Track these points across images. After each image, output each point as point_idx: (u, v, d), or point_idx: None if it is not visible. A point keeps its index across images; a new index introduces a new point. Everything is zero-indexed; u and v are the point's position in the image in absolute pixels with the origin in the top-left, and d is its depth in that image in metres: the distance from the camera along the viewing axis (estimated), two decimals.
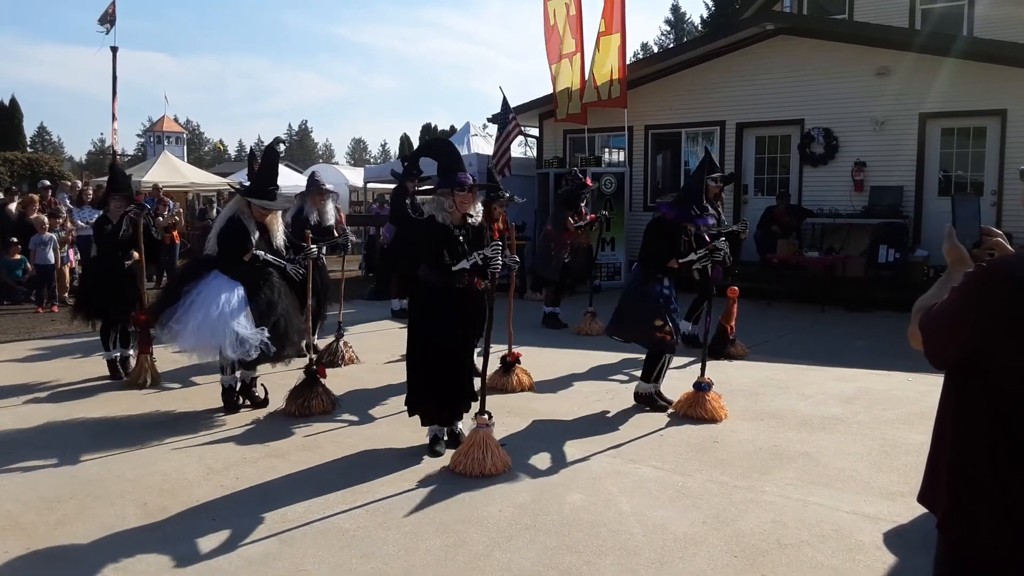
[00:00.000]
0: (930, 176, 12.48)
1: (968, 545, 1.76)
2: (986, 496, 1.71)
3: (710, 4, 43.66)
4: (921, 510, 1.90)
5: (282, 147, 6.26)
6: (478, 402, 5.01)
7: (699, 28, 47.39)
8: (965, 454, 1.75)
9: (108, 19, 26.13)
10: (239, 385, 6.20)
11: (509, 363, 6.85)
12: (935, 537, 1.88)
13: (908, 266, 11.66)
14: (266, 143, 6.49)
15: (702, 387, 6.00)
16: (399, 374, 7.33)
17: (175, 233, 14.38)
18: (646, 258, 6.20)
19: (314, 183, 8.15)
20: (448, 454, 5.03)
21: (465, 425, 5.30)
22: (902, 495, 4.36)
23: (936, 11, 15.35)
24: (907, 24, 15.11)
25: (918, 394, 6.47)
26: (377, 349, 8.40)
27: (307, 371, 6.18)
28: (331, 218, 8.06)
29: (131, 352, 7.32)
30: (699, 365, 6.19)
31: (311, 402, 6.06)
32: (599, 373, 7.40)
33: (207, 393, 6.69)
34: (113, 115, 27.64)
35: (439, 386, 5.08)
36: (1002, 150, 11.73)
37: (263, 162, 6.19)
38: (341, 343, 7.90)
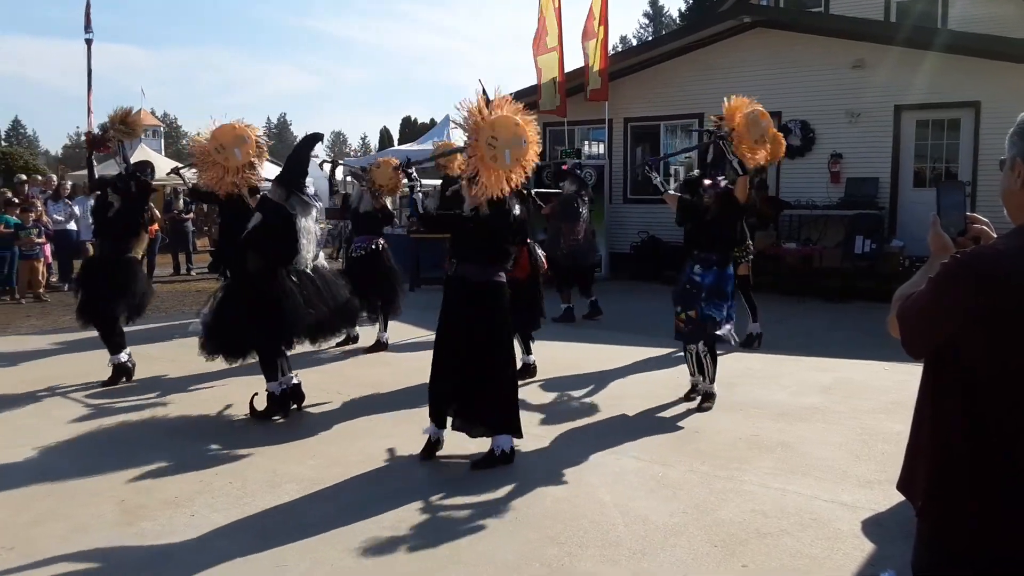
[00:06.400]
0: (905, 167, 12.60)
1: (947, 531, 1.78)
2: (963, 483, 1.73)
3: None
4: (899, 498, 1.92)
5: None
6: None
7: (677, 21, 47.47)
8: (943, 442, 1.77)
9: (87, 21, 25.78)
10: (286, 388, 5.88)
11: None
12: (913, 525, 1.90)
13: (884, 256, 11.78)
14: None
15: None
16: (386, 369, 7.36)
17: (153, 227, 14.21)
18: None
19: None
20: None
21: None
22: (880, 483, 4.40)
23: (911, 6, 15.48)
24: (882, 17, 15.22)
25: (895, 383, 6.53)
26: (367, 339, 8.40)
27: None
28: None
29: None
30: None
31: None
32: (581, 365, 7.41)
33: (182, 390, 6.65)
34: (89, 109, 27.26)
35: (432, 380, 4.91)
36: (976, 141, 11.86)
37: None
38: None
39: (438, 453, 4.96)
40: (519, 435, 4.85)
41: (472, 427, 4.82)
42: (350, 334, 8.24)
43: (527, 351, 6.94)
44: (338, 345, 8.13)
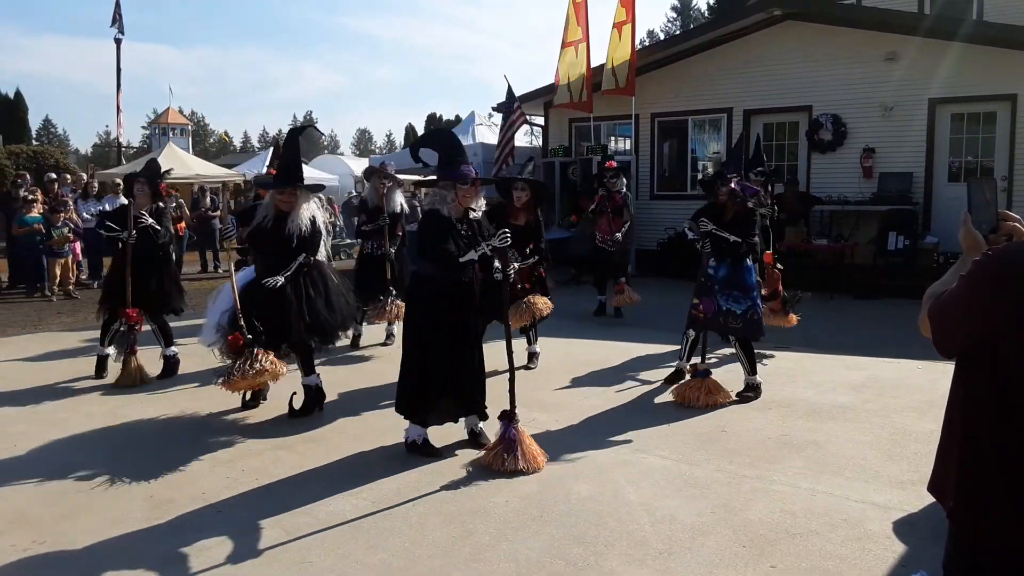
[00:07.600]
0: (940, 162, 12.38)
1: (976, 532, 1.76)
2: (993, 483, 1.71)
3: None
4: (931, 499, 1.88)
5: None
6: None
7: (706, 14, 47.12)
8: (974, 442, 1.75)
9: (117, 19, 26.28)
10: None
11: None
12: (945, 526, 1.86)
13: (917, 253, 11.59)
14: (271, 134, 6.49)
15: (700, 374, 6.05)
16: None
17: (181, 225, 14.39)
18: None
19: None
20: (466, 455, 4.95)
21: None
22: (912, 483, 4.32)
23: None
24: (916, 8, 14.97)
25: (928, 382, 6.42)
26: (378, 337, 8.44)
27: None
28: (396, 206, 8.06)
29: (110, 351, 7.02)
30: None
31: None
32: (605, 362, 7.37)
33: (210, 386, 6.70)
34: (118, 107, 27.71)
35: (448, 379, 4.91)
36: (1012, 135, 11.63)
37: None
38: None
39: (458, 450, 4.99)
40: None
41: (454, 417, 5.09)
42: (356, 331, 8.15)
43: (531, 341, 7.32)
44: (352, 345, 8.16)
